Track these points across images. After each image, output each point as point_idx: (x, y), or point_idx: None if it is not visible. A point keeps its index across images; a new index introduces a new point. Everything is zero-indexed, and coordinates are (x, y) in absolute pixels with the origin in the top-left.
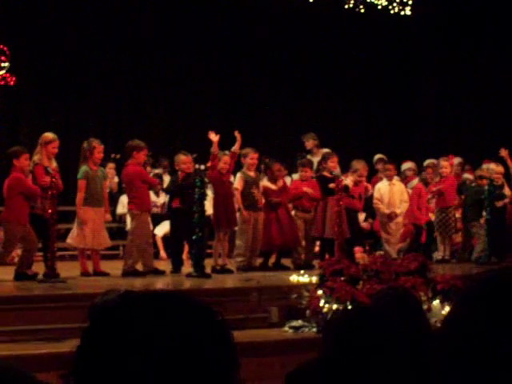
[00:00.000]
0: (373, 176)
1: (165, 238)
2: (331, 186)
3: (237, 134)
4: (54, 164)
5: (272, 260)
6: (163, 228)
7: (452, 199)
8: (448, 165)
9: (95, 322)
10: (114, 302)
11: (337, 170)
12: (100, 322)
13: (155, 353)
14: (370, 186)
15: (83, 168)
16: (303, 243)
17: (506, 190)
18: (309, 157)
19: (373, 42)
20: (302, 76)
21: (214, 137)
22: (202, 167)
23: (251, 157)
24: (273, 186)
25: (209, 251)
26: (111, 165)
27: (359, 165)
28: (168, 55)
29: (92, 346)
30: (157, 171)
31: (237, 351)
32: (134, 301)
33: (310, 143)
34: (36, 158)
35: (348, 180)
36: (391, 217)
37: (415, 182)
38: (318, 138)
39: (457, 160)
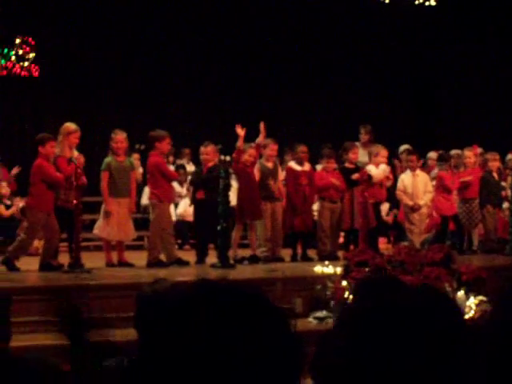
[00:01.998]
0: (397, 165)
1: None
2: (354, 176)
3: (262, 125)
4: (76, 154)
5: (298, 251)
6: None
7: (477, 191)
8: (473, 155)
9: (166, 309)
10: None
11: (361, 159)
12: (175, 311)
13: (227, 348)
14: (391, 175)
15: (106, 159)
16: (328, 234)
17: None
18: (360, 149)
19: (397, 31)
20: (326, 65)
21: (240, 131)
22: (228, 158)
23: (271, 148)
24: (298, 168)
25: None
26: (136, 155)
27: (377, 148)
28: (191, 44)
29: (163, 335)
30: (180, 162)
31: (302, 362)
32: (211, 291)
33: (364, 137)
34: (57, 149)
35: (372, 169)
36: (414, 208)
37: (435, 171)
38: (341, 127)
39: (478, 149)
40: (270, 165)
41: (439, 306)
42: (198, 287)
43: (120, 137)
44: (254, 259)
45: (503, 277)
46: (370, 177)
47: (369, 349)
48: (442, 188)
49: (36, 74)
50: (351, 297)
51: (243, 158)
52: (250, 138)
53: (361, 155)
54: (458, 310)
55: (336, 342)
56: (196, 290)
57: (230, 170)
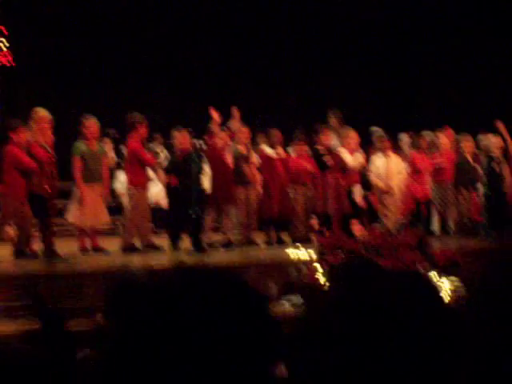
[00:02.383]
0: (369, 148)
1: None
2: (326, 159)
3: (234, 110)
4: (50, 139)
5: (273, 235)
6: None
7: (450, 174)
8: (445, 137)
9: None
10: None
11: (331, 143)
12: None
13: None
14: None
15: (77, 144)
16: (302, 218)
17: (505, 167)
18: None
19: (367, 12)
20: (297, 48)
21: (214, 113)
22: (201, 142)
23: (242, 131)
24: (272, 152)
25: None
26: (107, 140)
27: (347, 131)
28: (165, 29)
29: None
30: (152, 146)
31: (279, 345)
32: (189, 275)
33: (333, 121)
34: (30, 135)
35: (347, 156)
36: (387, 190)
37: (406, 149)
38: (312, 109)
39: (451, 131)
40: (242, 148)
41: (419, 289)
42: (175, 272)
43: (91, 122)
44: (227, 243)
45: (479, 260)
46: (342, 161)
47: (347, 334)
48: (414, 170)
49: (10, 63)
50: (325, 280)
51: (215, 141)
52: (223, 122)
53: (331, 139)
54: (439, 294)
55: (312, 327)
56: (174, 275)
57: (203, 155)
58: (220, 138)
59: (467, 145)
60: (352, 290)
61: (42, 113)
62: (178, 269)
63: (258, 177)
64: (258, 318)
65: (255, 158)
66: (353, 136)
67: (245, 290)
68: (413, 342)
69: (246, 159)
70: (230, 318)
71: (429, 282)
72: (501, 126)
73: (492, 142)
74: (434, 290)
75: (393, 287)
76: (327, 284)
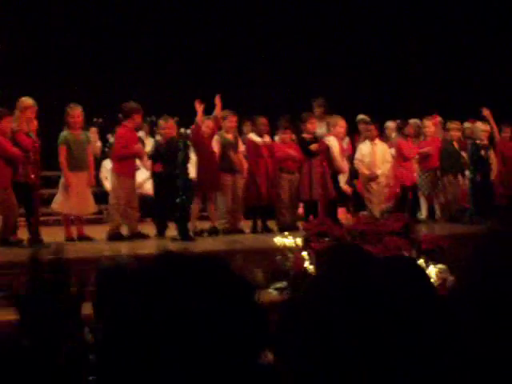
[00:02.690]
0: (355, 136)
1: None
2: (312, 147)
3: (217, 98)
4: (34, 127)
5: (259, 222)
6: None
7: (437, 161)
8: (431, 124)
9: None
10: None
11: (318, 131)
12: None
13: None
14: (350, 146)
15: (63, 133)
16: (288, 205)
17: (491, 154)
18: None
19: (356, 4)
20: (284, 36)
21: (199, 106)
22: (187, 131)
23: (230, 119)
24: (259, 139)
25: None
26: (94, 129)
27: (335, 119)
28: (151, 16)
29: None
30: (139, 134)
31: (265, 332)
32: (176, 262)
33: (317, 110)
34: (15, 124)
35: (333, 141)
36: (372, 177)
37: (393, 137)
38: (298, 97)
39: (438, 118)
40: (229, 136)
41: (410, 273)
42: (161, 259)
43: (76, 111)
44: (213, 231)
45: (464, 246)
46: (327, 147)
47: (335, 319)
48: (400, 157)
49: None
50: (311, 267)
51: (201, 130)
52: (209, 110)
53: (317, 127)
54: (429, 279)
55: (300, 314)
56: (160, 262)
57: (189, 143)
58: (206, 126)
59: (454, 132)
60: (340, 275)
61: (27, 101)
62: (163, 256)
63: (245, 164)
64: (243, 305)
65: (242, 146)
66: (342, 124)
67: (230, 277)
68: (403, 327)
69: (234, 147)
70: (215, 304)
71: (418, 266)
72: (487, 113)
73: (479, 129)
74: (424, 275)
75: (382, 272)
76: (314, 270)
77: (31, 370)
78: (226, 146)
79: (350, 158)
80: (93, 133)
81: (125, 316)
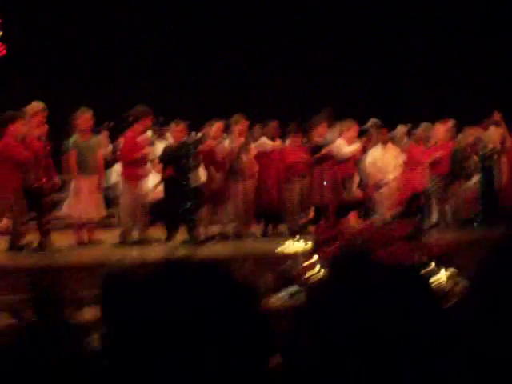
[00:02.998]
0: (366, 139)
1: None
2: (322, 152)
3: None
4: (45, 131)
5: (269, 226)
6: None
7: (448, 166)
8: (443, 129)
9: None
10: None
11: (327, 136)
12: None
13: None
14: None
15: (72, 138)
16: (298, 209)
17: (503, 159)
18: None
19: (360, 7)
20: (294, 42)
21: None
22: (199, 135)
23: (242, 123)
24: (270, 144)
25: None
26: (105, 133)
27: (348, 123)
28: (159, 22)
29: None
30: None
31: (271, 339)
32: (180, 269)
33: (324, 121)
34: (26, 128)
35: (343, 145)
36: (382, 182)
37: (405, 141)
38: (308, 102)
39: (451, 123)
40: (241, 140)
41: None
42: (165, 265)
43: (86, 116)
44: (224, 236)
45: (475, 251)
46: (337, 152)
47: (341, 327)
48: (412, 162)
49: (3, 52)
50: (322, 271)
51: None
52: (220, 113)
53: (328, 131)
54: (432, 290)
55: (308, 321)
56: (164, 268)
57: (200, 148)
58: (216, 128)
59: (465, 136)
60: (348, 282)
61: (38, 106)
62: (167, 262)
63: (256, 168)
64: (246, 311)
65: (253, 150)
66: (354, 128)
67: (233, 283)
68: (407, 338)
69: (245, 151)
70: (218, 311)
71: (423, 278)
72: (499, 117)
73: (490, 133)
74: (429, 286)
75: (388, 282)
76: (325, 275)
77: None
78: (237, 150)
79: (359, 163)
80: (105, 137)
81: (129, 322)
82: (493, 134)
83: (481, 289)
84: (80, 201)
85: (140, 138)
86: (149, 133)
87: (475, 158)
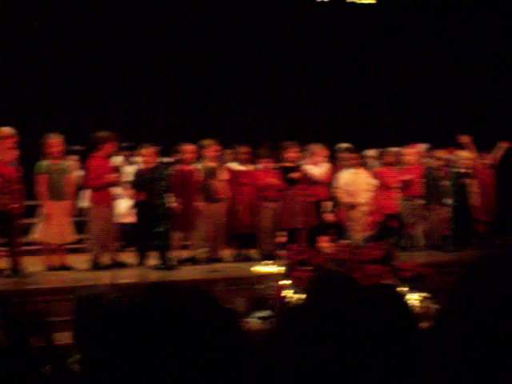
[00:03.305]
0: (337, 163)
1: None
2: (294, 175)
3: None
4: (15, 157)
5: (241, 251)
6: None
7: (419, 188)
8: (413, 153)
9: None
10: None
11: (299, 160)
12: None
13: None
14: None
15: (42, 162)
16: (269, 233)
17: (473, 182)
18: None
19: (336, 28)
20: (264, 64)
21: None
22: (169, 159)
23: (212, 149)
24: (240, 168)
25: (174, 243)
26: (74, 157)
27: (316, 147)
28: (130, 41)
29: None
30: (116, 161)
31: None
32: (161, 293)
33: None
34: None
35: (313, 169)
36: (353, 206)
37: (375, 165)
38: (279, 126)
39: (424, 146)
40: (212, 165)
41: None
42: (146, 289)
43: (55, 141)
44: (195, 260)
45: (447, 273)
46: (309, 175)
47: (319, 348)
48: (382, 185)
49: None
50: (293, 295)
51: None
52: (191, 137)
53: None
54: (411, 310)
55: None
56: (145, 292)
57: (170, 172)
58: (189, 152)
59: (436, 159)
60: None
61: (7, 131)
62: (149, 286)
63: (227, 193)
64: (228, 334)
65: (224, 174)
66: (321, 153)
67: (215, 306)
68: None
69: (216, 175)
70: (200, 334)
71: (399, 295)
72: (467, 140)
73: (461, 156)
74: (405, 305)
75: (366, 302)
76: (300, 298)
77: None
78: (209, 175)
79: (331, 186)
80: (73, 160)
81: (104, 347)
82: (462, 157)
83: (453, 313)
84: (51, 225)
85: (105, 164)
86: (119, 158)
87: (447, 181)
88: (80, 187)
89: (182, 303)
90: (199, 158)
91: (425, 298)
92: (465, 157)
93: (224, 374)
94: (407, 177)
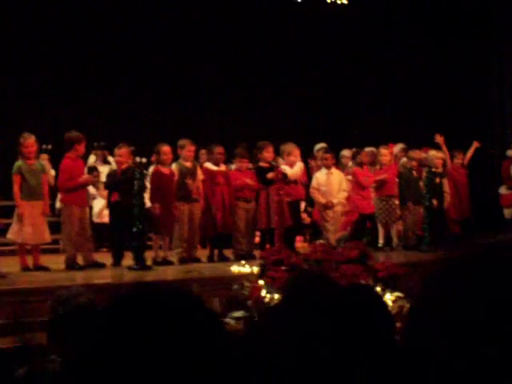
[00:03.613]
0: (312, 163)
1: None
2: (269, 175)
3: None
4: None
5: (215, 251)
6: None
7: (394, 188)
8: (388, 153)
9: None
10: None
11: (274, 160)
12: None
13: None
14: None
15: (17, 163)
16: (244, 233)
17: (446, 182)
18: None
19: (310, 30)
20: (239, 65)
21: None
22: (143, 160)
23: (188, 149)
24: (215, 168)
25: (149, 243)
26: (44, 156)
27: (290, 147)
28: (105, 38)
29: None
30: (90, 161)
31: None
32: (142, 294)
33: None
34: None
35: (288, 169)
36: (327, 206)
37: (350, 164)
38: (256, 127)
39: (399, 146)
40: (188, 165)
41: (369, 303)
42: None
43: (30, 141)
44: (170, 260)
45: (421, 273)
46: (284, 175)
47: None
48: (357, 185)
49: None
50: (268, 296)
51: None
52: (167, 138)
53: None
54: (387, 308)
55: (258, 342)
56: (128, 294)
57: (145, 172)
58: (164, 154)
59: (413, 160)
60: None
61: None
62: (132, 287)
63: (202, 193)
64: (213, 336)
65: (200, 174)
66: (295, 153)
67: (199, 308)
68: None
69: (192, 175)
70: (184, 335)
71: (376, 294)
72: (440, 139)
73: (433, 156)
74: (381, 302)
75: (342, 300)
76: (275, 299)
77: None
78: (184, 174)
79: (306, 186)
80: (44, 160)
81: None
82: (435, 156)
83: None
84: (24, 226)
85: (78, 164)
86: (91, 157)
87: (421, 180)
88: (54, 187)
89: (166, 304)
90: (175, 158)
91: (398, 297)
92: (438, 156)
93: (209, 376)
94: (381, 176)
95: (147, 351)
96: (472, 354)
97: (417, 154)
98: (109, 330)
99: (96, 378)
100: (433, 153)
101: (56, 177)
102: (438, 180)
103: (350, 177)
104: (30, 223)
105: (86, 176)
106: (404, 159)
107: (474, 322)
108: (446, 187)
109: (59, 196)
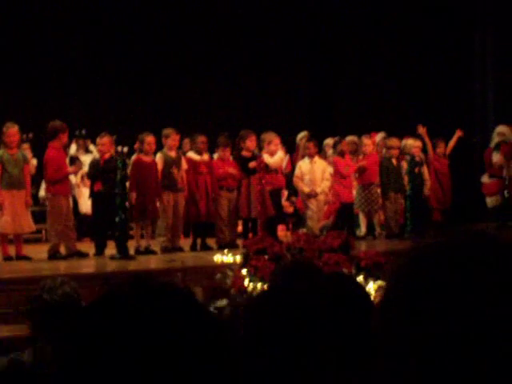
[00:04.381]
0: (293, 153)
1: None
2: (251, 164)
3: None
4: None
5: (198, 240)
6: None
7: (374, 176)
8: (370, 142)
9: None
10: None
11: (255, 149)
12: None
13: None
14: (289, 164)
15: None
16: (227, 222)
17: (425, 170)
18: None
19: (291, 18)
20: (222, 54)
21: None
22: (125, 149)
23: (173, 138)
24: (198, 158)
25: (132, 233)
26: (25, 145)
27: (270, 136)
28: (86, 28)
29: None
30: (72, 151)
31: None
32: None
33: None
34: None
35: (269, 158)
36: (311, 195)
37: (330, 153)
38: (239, 117)
39: (381, 135)
40: (172, 154)
41: (350, 292)
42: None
43: (12, 130)
44: (152, 250)
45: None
46: (266, 164)
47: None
48: (338, 174)
49: None
50: (251, 284)
51: (143, 147)
52: (149, 126)
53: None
54: (369, 297)
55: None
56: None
57: (127, 161)
58: (147, 144)
59: (393, 149)
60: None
61: None
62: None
63: (185, 182)
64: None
65: (185, 164)
66: (276, 142)
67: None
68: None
69: (177, 164)
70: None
71: (357, 283)
72: (423, 130)
73: (414, 145)
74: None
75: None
76: (257, 288)
77: None
78: (169, 163)
79: (290, 176)
80: (25, 149)
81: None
82: (414, 145)
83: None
84: (5, 215)
85: (61, 155)
86: (73, 147)
87: (402, 169)
88: (37, 176)
89: (158, 297)
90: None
91: (380, 286)
92: (415, 145)
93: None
94: (360, 163)
95: (146, 350)
96: (444, 346)
97: (394, 142)
98: (104, 327)
99: (92, 374)
100: (410, 141)
101: (39, 166)
102: (416, 169)
103: (330, 166)
104: (9, 213)
105: (74, 166)
106: (385, 148)
107: (444, 311)
108: (426, 175)
109: (43, 185)
